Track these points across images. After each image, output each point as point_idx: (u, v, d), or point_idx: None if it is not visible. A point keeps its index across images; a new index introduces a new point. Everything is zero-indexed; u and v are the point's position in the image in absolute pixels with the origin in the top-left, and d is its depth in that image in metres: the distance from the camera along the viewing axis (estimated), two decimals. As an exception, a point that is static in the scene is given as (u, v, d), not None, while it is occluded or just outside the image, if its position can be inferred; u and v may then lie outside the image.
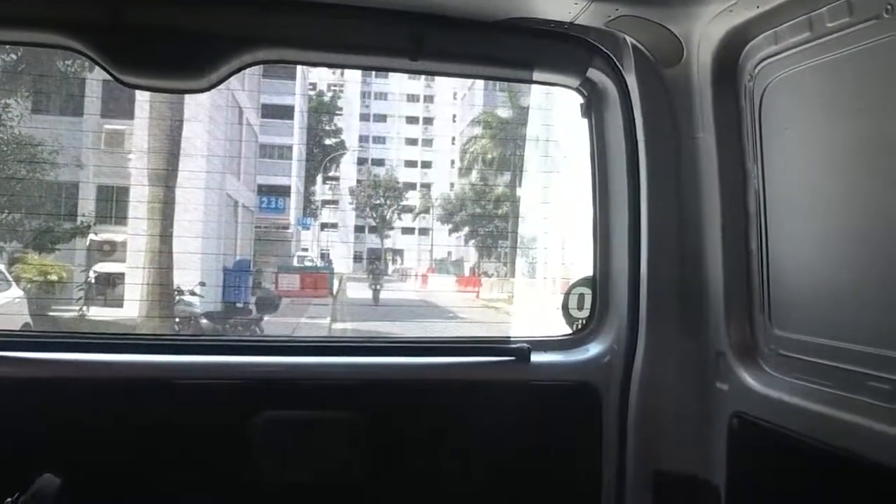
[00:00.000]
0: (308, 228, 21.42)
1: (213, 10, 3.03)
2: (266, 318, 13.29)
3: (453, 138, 25.88)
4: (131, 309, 11.76)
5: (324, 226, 22.96)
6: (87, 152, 13.45)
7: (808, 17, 2.55)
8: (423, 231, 23.95)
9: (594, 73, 3.30)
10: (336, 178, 23.75)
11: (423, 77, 23.62)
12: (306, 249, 20.90)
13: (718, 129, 3.01)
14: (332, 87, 24.17)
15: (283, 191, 19.53)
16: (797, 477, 2.66)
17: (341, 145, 23.20)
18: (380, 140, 27.09)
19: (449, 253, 22.46)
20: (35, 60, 12.36)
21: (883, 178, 2.40)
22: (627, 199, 3.29)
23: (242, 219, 16.63)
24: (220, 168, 14.44)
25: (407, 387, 3.27)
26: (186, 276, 12.26)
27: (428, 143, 26.86)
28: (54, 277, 12.36)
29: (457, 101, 26.20)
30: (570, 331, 3.61)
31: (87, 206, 13.36)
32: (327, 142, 22.50)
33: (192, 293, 12.40)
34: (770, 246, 2.90)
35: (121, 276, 12.72)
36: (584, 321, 3.57)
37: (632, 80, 3.20)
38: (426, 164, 26.05)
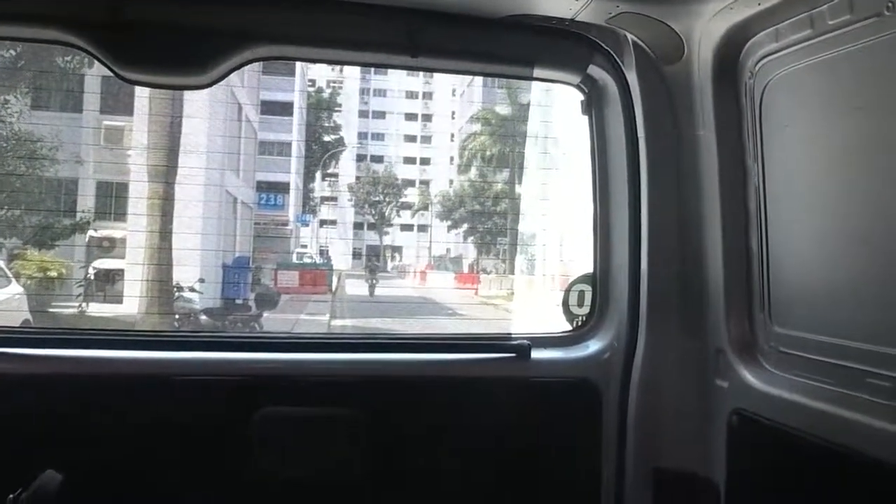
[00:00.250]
0: (307, 225, 21.40)
1: (214, 7, 3.03)
2: (265, 314, 13.30)
3: (452, 135, 25.85)
4: (131, 305, 11.75)
5: (323, 222, 22.93)
6: (87, 148, 13.43)
7: (808, 14, 2.55)
8: (422, 228, 23.93)
9: (595, 70, 3.30)
10: (335, 175, 23.74)
11: (422, 74, 23.60)
12: (305, 246, 20.88)
13: (719, 126, 3.01)
14: (332, 84, 24.14)
15: (283, 187, 19.51)
16: (797, 474, 2.66)
17: (340, 142, 23.16)
18: (379, 137, 27.05)
19: (448, 250, 22.44)
20: (35, 56, 12.34)
21: (883, 175, 2.40)
22: (627, 197, 3.29)
23: (242, 215, 16.62)
24: (219, 165, 14.42)
25: (407, 383, 3.28)
26: (186, 272, 12.25)
27: (427, 139, 26.84)
28: (54, 274, 12.35)
29: (456, 97, 26.17)
30: (570, 327, 3.61)
31: (86, 202, 13.35)
32: (326, 138, 22.46)
33: (192, 290, 12.39)
34: (770, 243, 2.90)
35: (120, 272, 12.71)
36: (584, 318, 3.57)
37: (632, 78, 3.20)
38: (425, 161, 26.02)
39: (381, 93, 27.88)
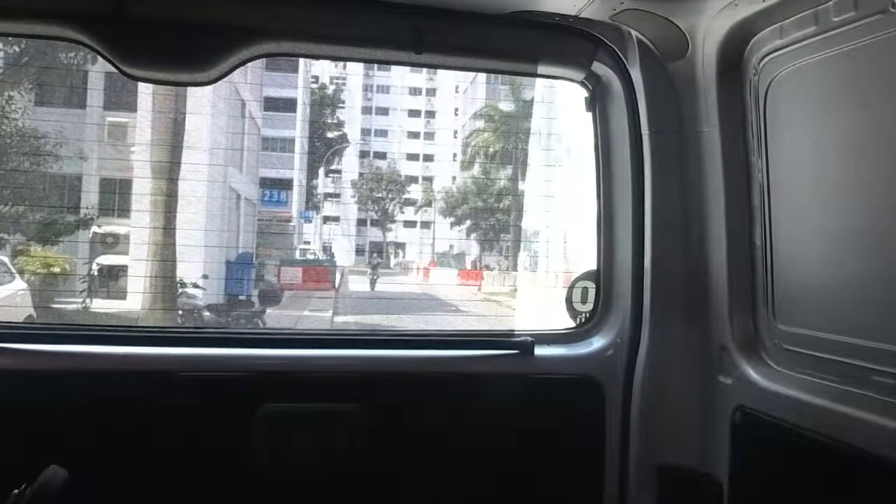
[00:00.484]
0: (310, 221, 21.38)
1: (218, 3, 3.04)
2: (269, 310, 13.30)
3: (455, 132, 25.83)
4: (134, 301, 11.75)
5: (326, 219, 22.92)
6: (90, 145, 13.44)
7: (813, 11, 2.55)
8: (425, 224, 23.92)
9: (599, 67, 3.30)
10: (338, 172, 23.72)
11: (425, 70, 23.59)
12: (308, 242, 20.87)
13: (723, 123, 3.00)
14: (335, 80, 24.13)
15: (286, 184, 19.50)
16: (800, 471, 2.66)
17: (343, 138, 23.16)
18: (382, 133, 27.06)
19: (451, 246, 22.45)
20: (38, 53, 12.35)
21: (887, 172, 2.39)
22: (631, 193, 3.29)
23: (245, 211, 16.62)
24: (222, 161, 14.43)
25: (410, 379, 3.28)
26: (189, 268, 12.25)
27: (430, 136, 26.82)
28: (58, 270, 12.36)
29: (459, 94, 26.15)
30: (573, 324, 3.61)
31: (90, 198, 13.35)
32: (329, 135, 22.45)
33: (195, 286, 12.38)
34: (774, 240, 2.90)
35: (124, 268, 12.73)
36: (587, 315, 3.57)
37: (636, 74, 3.20)
38: (428, 158, 26.00)
39: (384, 89, 27.87)
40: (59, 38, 3.06)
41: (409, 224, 24.18)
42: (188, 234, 12.26)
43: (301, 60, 17.52)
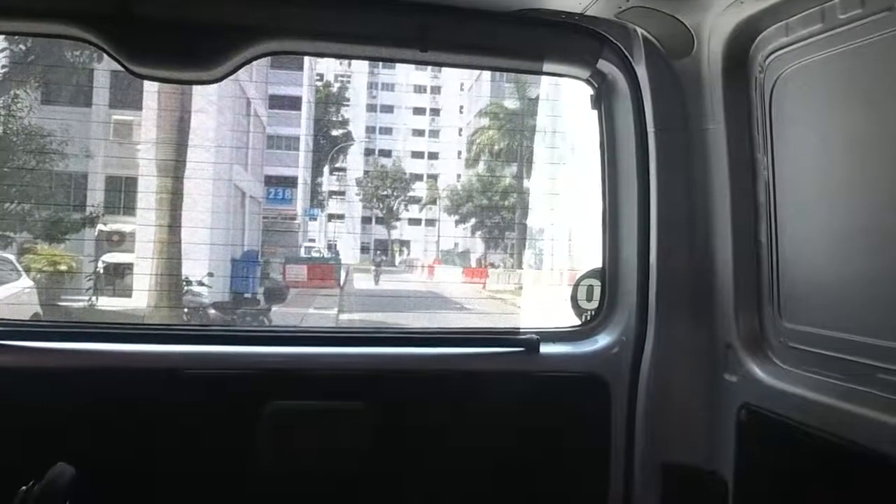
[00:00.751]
0: (315, 219, 21.41)
1: (223, 1, 3.04)
2: (274, 308, 13.33)
3: (460, 129, 25.80)
4: (140, 299, 11.79)
5: (331, 217, 22.94)
6: (96, 143, 13.47)
7: (819, 8, 2.54)
8: (430, 222, 23.91)
9: (604, 65, 3.30)
10: (343, 169, 23.71)
11: (430, 68, 23.54)
12: (313, 240, 20.89)
13: (728, 120, 3.00)
14: (340, 78, 24.11)
15: (291, 182, 19.51)
16: (805, 469, 2.66)
17: (348, 136, 23.16)
18: (387, 131, 27.03)
19: (456, 244, 22.44)
20: (44, 51, 12.38)
21: (893, 170, 2.39)
22: (637, 191, 3.29)
23: (250, 209, 16.64)
24: (227, 159, 14.44)
25: (416, 377, 3.28)
26: (195, 266, 12.28)
27: (435, 134, 26.80)
28: (64, 268, 12.40)
29: (464, 92, 26.12)
30: (578, 322, 3.61)
31: (95, 196, 13.39)
32: (334, 133, 22.45)
33: (201, 283, 12.42)
34: (779, 237, 2.89)
35: (129, 266, 12.76)
36: (592, 312, 3.57)
37: (642, 72, 3.19)
38: (433, 156, 25.98)
39: (389, 87, 27.84)
40: (67, 37, 3.08)
41: (414, 222, 24.17)
42: (193, 232, 12.29)
43: (306, 59, 17.53)
